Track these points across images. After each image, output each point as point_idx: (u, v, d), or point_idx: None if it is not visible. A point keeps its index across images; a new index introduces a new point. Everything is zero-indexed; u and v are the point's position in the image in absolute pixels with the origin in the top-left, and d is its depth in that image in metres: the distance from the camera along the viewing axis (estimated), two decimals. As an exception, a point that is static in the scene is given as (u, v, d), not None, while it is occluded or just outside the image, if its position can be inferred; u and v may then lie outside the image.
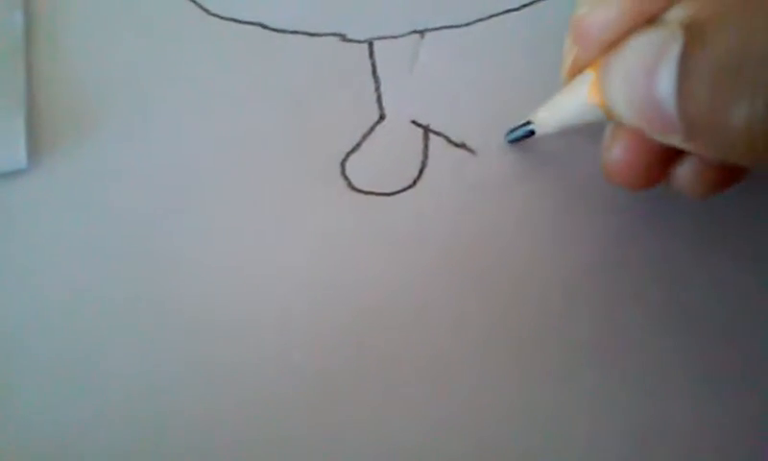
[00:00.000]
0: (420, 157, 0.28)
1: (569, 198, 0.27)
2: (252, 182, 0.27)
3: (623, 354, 0.26)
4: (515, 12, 0.29)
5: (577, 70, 0.24)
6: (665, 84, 0.19)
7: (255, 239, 0.27)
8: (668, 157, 0.23)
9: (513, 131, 0.27)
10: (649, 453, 0.25)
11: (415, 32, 0.29)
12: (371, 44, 0.29)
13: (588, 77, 0.23)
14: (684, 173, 0.24)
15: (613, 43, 0.21)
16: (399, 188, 0.27)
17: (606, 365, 0.26)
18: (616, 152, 0.24)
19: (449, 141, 0.28)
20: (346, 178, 0.27)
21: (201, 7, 0.29)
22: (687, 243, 0.27)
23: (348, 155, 0.28)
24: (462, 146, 0.28)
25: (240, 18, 0.29)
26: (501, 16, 0.29)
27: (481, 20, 0.29)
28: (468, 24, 0.29)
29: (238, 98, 0.28)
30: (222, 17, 0.29)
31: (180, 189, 0.27)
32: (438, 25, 0.29)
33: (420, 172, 0.27)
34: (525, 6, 0.29)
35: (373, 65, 0.29)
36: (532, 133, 0.26)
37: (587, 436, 0.25)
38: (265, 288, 0.26)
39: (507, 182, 0.27)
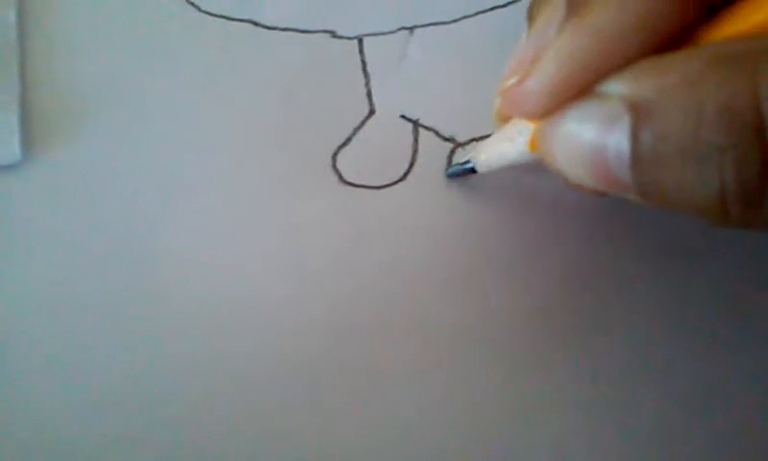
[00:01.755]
0: (409, 152, 0.28)
1: (561, 191, 0.27)
2: (245, 176, 0.27)
3: (617, 353, 0.26)
4: (501, 9, 0.30)
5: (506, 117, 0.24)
6: (616, 155, 0.19)
7: (247, 231, 0.27)
8: None
9: (453, 166, 0.28)
10: (644, 453, 0.25)
11: (404, 28, 0.29)
12: (360, 41, 0.29)
13: (526, 129, 0.23)
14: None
15: (549, 112, 0.21)
16: (389, 182, 0.28)
17: (600, 363, 0.26)
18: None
19: (438, 135, 0.28)
20: (336, 171, 0.28)
21: (192, 4, 0.29)
22: (686, 243, 0.27)
23: (338, 148, 0.28)
24: (451, 140, 0.28)
25: (231, 15, 0.29)
26: (488, 13, 0.30)
27: (468, 17, 0.30)
28: (455, 20, 0.29)
29: (230, 94, 0.28)
30: (213, 14, 0.29)
31: (173, 183, 0.27)
32: (426, 22, 0.29)
33: (410, 166, 0.28)
34: (512, 2, 0.30)
35: (363, 61, 0.29)
36: (473, 170, 0.27)
37: (579, 436, 0.25)
38: (256, 280, 0.26)
39: (497, 176, 0.27)
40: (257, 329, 0.26)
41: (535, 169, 0.25)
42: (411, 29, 0.29)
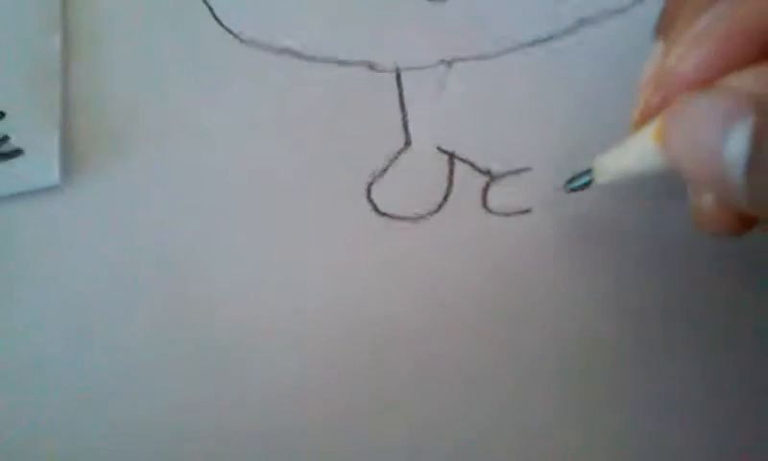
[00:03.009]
0: (444, 184, 0.28)
1: (594, 225, 0.27)
2: (280, 204, 0.28)
3: (649, 382, 0.26)
4: (541, 44, 0.30)
5: (648, 117, 0.23)
6: (734, 155, 0.19)
7: (282, 259, 0.27)
8: None
9: (572, 179, 0.27)
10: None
11: (442, 62, 0.29)
12: (398, 73, 0.29)
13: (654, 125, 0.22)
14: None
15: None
16: (425, 213, 0.28)
17: (631, 392, 0.26)
18: (706, 200, 0.23)
19: (474, 168, 0.28)
20: (371, 202, 0.28)
21: (234, 34, 0.30)
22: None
23: (374, 179, 0.28)
24: (487, 173, 0.28)
25: (271, 45, 0.30)
26: (527, 48, 0.30)
27: (507, 52, 0.30)
28: (495, 55, 0.30)
29: (268, 123, 0.29)
30: (254, 44, 0.30)
31: (209, 210, 0.28)
32: (465, 56, 0.30)
33: (445, 198, 0.28)
34: (552, 38, 0.30)
35: (401, 93, 0.29)
36: (590, 182, 0.26)
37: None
38: (290, 307, 0.26)
39: (531, 210, 0.27)
40: (291, 356, 0.26)
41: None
42: (449, 62, 0.29)
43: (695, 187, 0.23)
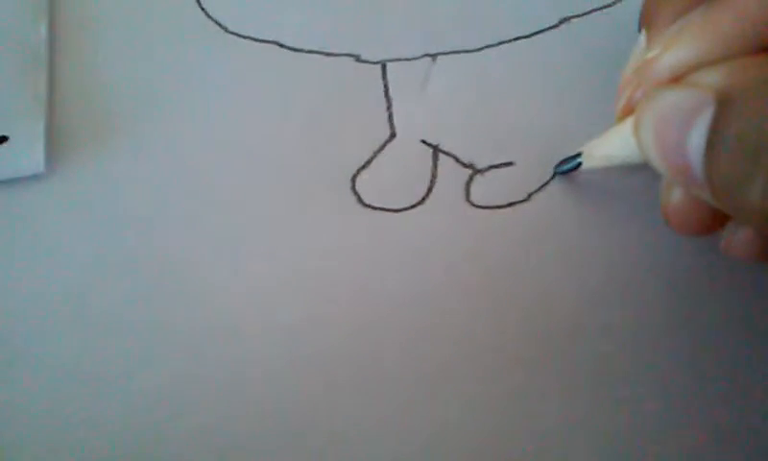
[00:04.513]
0: (428, 176, 0.28)
1: (574, 215, 0.28)
2: (265, 195, 0.28)
3: (634, 368, 0.26)
4: (524, 39, 0.30)
5: (630, 109, 0.24)
6: (695, 146, 0.20)
7: (266, 249, 0.27)
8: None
9: (561, 163, 0.28)
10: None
11: (427, 55, 0.30)
12: (384, 66, 0.30)
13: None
14: (734, 234, 0.24)
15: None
16: (408, 205, 0.28)
17: (614, 382, 0.26)
18: (675, 196, 0.24)
19: (458, 161, 0.28)
20: (356, 193, 0.28)
21: (220, 25, 0.30)
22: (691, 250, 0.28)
23: (358, 171, 0.28)
24: (470, 166, 0.28)
25: (257, 37, 0.30)
26: (511, 43, 0.30)
27: (490, 47, 0.30)
28: (478, 49, 0.30)
29: (253, 113, 0.29)
30: (240, 35, 0.30)
31: (194, 199, 0.28)
32: (449, 50, 0.30)
33: (429, 190, 0.28)
34: (534, 34, 0.30)
35: (386, 86, 0.29)
36: (579, 165, 0.27)
37: (589, 452, 0.25)
38: (274, 298, 0.26)
39: (513, 201, 0.28)
40: (273, 348, 0.26)
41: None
42: (434, 56, 0.30)
43: (668, 184, 0.24)
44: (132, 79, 0.29)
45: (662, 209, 0.25)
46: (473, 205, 0.28)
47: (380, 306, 0.26)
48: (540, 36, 0.30)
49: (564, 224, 0.28)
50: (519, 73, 0.30)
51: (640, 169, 0.23)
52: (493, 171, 0.28)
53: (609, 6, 0.30)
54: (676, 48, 0.21)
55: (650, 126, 0.21)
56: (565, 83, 0.29)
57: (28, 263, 0.27)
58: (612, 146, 0.25)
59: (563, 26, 0.30)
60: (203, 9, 0.30)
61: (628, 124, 0.23)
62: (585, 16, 0.30)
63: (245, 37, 0.30)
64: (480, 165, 0.28)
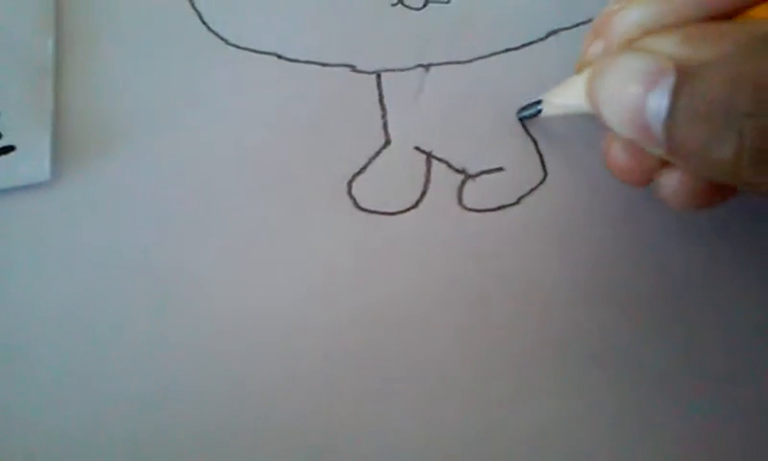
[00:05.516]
0: (422, 181, 0.29)
1: (563, 217, 0.28)
2: (264, 200, 0.28)
3: (627, 366, 0.26)
4: (514, 51, 0.31)
5: (585, 61, 0.26)
6: (654, 110, 0.21)
7: (266, 253, 0.28)
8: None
9: (523, 108, 0.29)
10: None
11: (420, 66, 0.31)
12: (378, 76, 0.30)
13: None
14: (670, 180, 0.25)
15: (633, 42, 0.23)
16: (402, 209, 0.28)
17: (606, 381, 0.26)
18: (615, 147, 0.25)
19: (450, 167, 0.29)
20: (352, 197, 0.29)
21: (220, 37, 0.31)
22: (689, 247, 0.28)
23: (354, 176, 0.29)
24: (462, 171, 0.29)
25: (256, 48, 0.31)
26: (501, 54, 0.31)
27: (482, 58, 0.31)
28: (470, 60, 0.31)
29: (253, 122, 0.30)
30: (239, 47, 0.31)
31: (195, 207, 0.28)
32: (442, 61, 0.31)
33: (423, 194, 0.29)
34: (524, 45, 0.31)
35: (381, 95, 0.30)
36: (539, 112, 0.28)
37: (585, 450, 0.25)
38: (274, 301, 0.27)
39: (504, 205, 0.29)
40: (272, 349, 0.26)
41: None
42: (427, 67, 0.31)
43: (611, 136, 0.26)
44: (136, 90, 0.30)
45: (603, 156, 0.26)
46: (465, 208, 0.28)
47: (375, 306, 0.27)
48: (529, 47, 0.31)
49: (553, 226, 0.28)
50: (509, 83, 0.30)
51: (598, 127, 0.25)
52: (485, 176, 0.29)
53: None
54: (636, 6, 0.23)
55: (606, 86, 0.23)
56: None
57: (33, 270, 0.27)
58: (568, 95, 0.26)
59: (551, 38, 0.31)
60: (204, 22, 0.31)
61: (582, 76, 0.25)
62: (572, 29, 0.31)
63: (245, 49, 0.31)
64: (472, 171, 0.29)
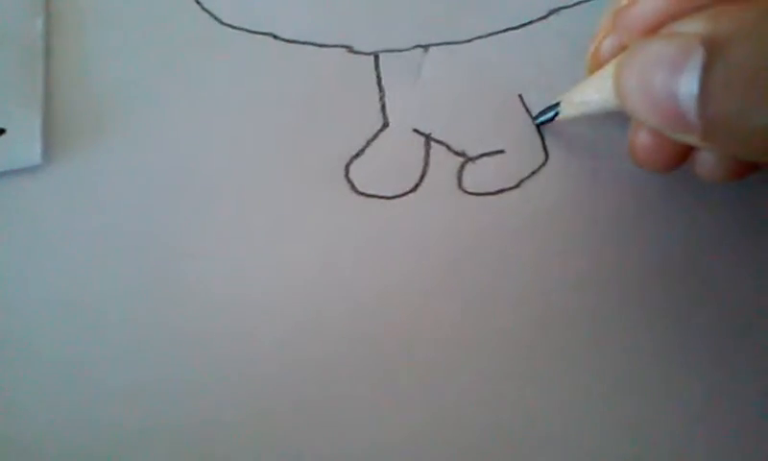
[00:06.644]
0: (421, 164, 0.29)
1: (563, 201, 0.28)
2: (261, 183, 0.28)
3: (625, 356, 0.26)
4: (513, 31, 0.31)
5: (599, 58, 0.26)
6: (686, 92, 0.21)
7: (262, 237, 0.27)
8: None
9: (541, 113, 0.29)
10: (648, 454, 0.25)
11: (419, 46, 0.30)
12: (376, 57, 0.30)
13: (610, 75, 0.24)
14: (705, 158, 0.25)
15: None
16: (401, 192, 0.28)
17: (606, 367, 0.26)
18: (642, 135, 0.26)
19: (450, 149, 0.29)
20: (349, 181, 0.28)
21: (214, 17, 0.30)
22: (690, 241, 0.28)
23: (352, 159, 0.28)
24: (461, 154, 0.29)
25: (252, 28, 0.30)
26: (500, 34, 0.31)
27: (481, 37, 0.30)
28: (469, 40, 0.30)
29: (248, 104, 0.29)
30: (234, 27, 0.30)
31: (190, 189, 0.28)
32: (441, 41, 0.30)
33: (422, 177, 0.28)
34: (524, 25, 0.31)
35: (379, 76, 0.30)
36: (556, 114, 0.28)
37: (584, 437, 0.25)
38: (270, 285, 0.27)
39: (504, 188, 0.28)
40: (269, 333, 0.26)
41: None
42: (426, 47, 0.30)
43: (637, 125, 0.26)
44: (128, 71, 0.30)
45: (630, 149, 0.26)
46: (465, 191, 0.28)
47: (373, 290, 0.27)
48: (529, 26, 0.31)
49: (553, 209, 0.28)
50: (510, 63, 0.30)
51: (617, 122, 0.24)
52: (485, 159, 0.29)
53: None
54: None
55: (635, 77, 0.22)
56: (555, 71, 0.29)
57: (24, 254, 0.27)
58: (588, 93, 0.26)
59: (552, 17, 0.31)
60: (197, 1, 0.31)
61: (604, 72, 0.24)
62: (573, 7, 0.31)
63: (239, 29, 0.30)
64: (471, 153, 0.29)
